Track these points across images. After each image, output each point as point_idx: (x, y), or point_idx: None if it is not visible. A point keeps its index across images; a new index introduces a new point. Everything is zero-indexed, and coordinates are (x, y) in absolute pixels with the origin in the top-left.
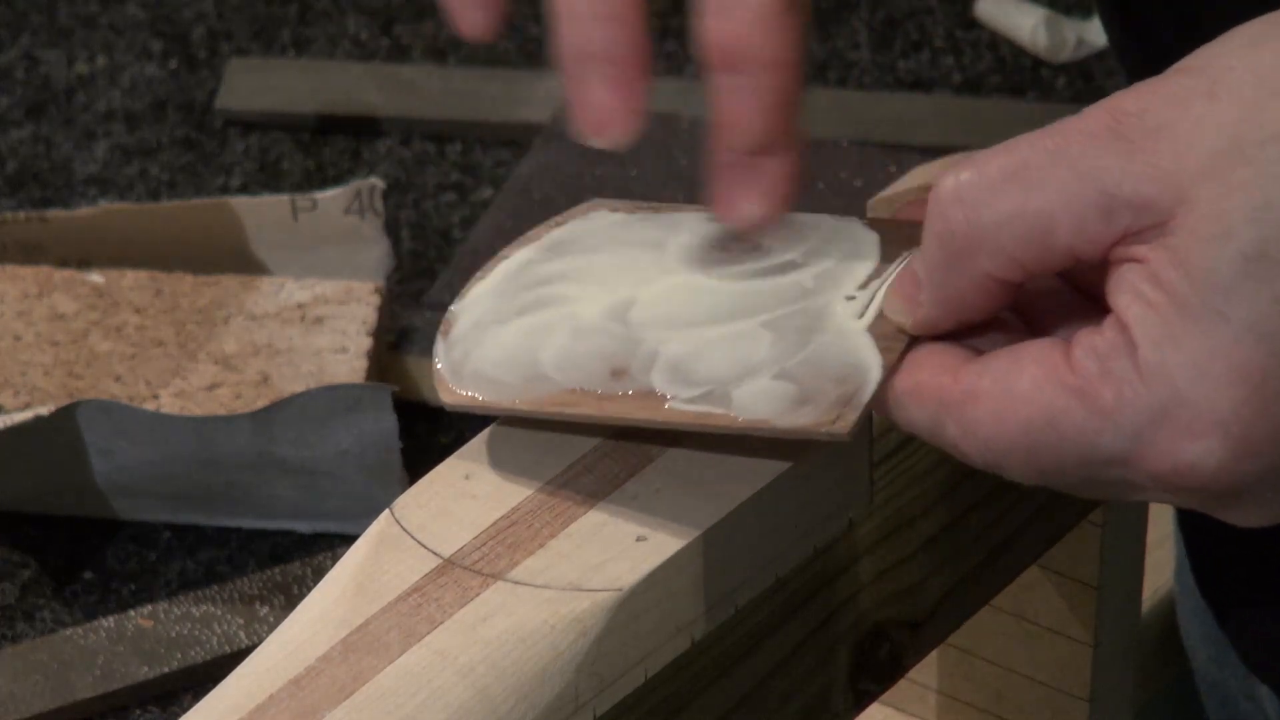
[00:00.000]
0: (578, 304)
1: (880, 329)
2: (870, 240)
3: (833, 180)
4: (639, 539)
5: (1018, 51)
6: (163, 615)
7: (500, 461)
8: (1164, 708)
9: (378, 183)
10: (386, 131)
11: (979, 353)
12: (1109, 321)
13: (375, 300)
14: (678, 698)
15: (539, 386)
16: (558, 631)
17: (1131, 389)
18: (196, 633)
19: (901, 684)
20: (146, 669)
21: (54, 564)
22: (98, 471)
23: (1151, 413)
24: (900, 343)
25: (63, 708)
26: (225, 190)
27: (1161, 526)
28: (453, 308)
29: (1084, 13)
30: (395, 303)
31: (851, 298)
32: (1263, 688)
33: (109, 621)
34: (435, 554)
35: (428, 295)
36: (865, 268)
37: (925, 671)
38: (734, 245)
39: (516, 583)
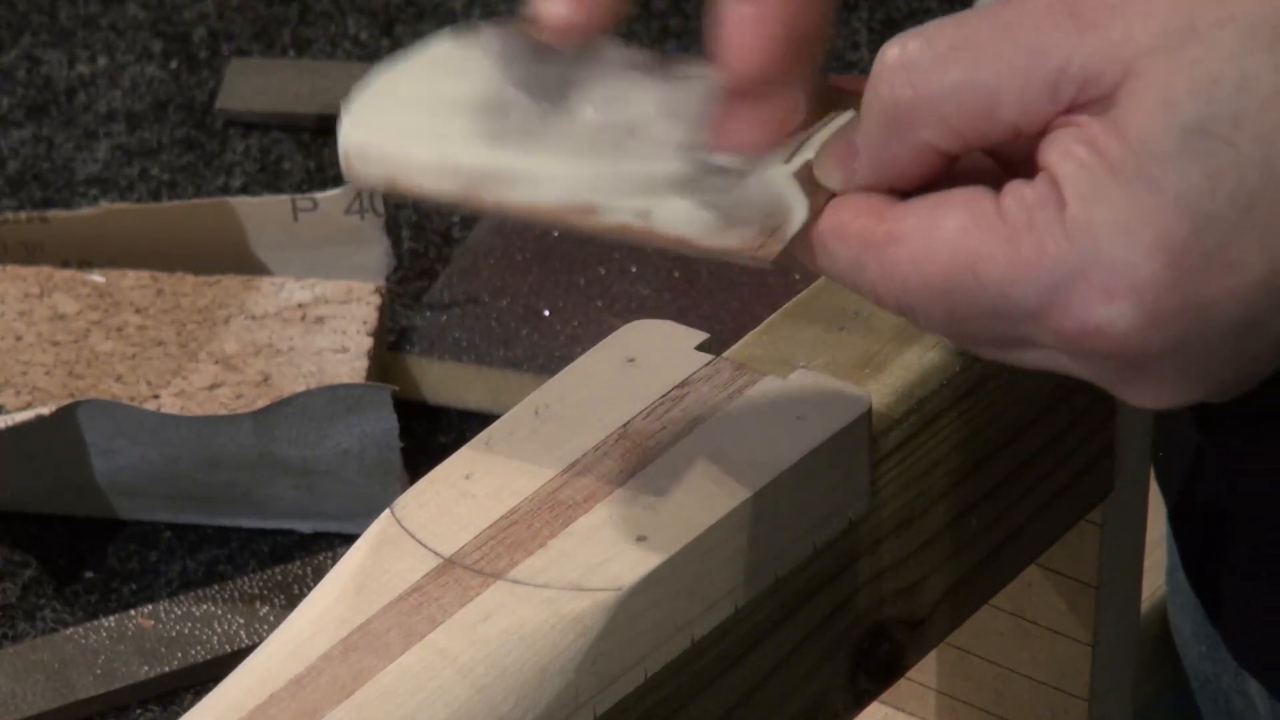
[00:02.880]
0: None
1: (805, 175)
2: None
3: None
4: (639, 539)
5: None
6: (163, 615)
7: (500, 461)
8: (1163, 707)
9: None
10: None
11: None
12: (1041, 176)
13: (375, 300)
14: (678, 697)
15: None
16: (558, 631)
17: (1054, 242)
18: (197, 632)
19: (901, 684)
20: (147, 668)
21: (55, 563)
22: (98, 471)
23: (1069, 267)
24: (825, 188)
25: (63, 707)
26: (226, 190)
27: (1160, 526)
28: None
29: None
30: (395, 303)
31: None
32: (1254, 684)
33: (110, 621)
34: (435, 554)
35: (428, 295)
36: None
37: (925, 671)
38: (652, 78)
39: (516, 582)
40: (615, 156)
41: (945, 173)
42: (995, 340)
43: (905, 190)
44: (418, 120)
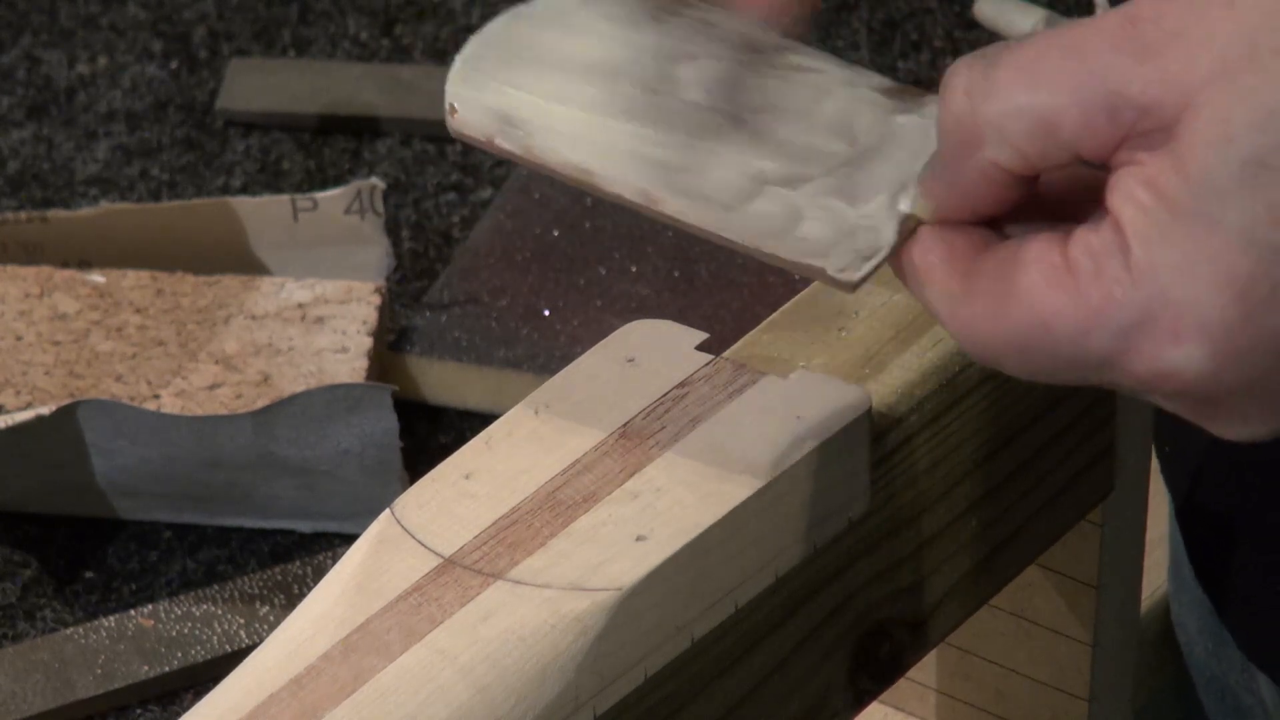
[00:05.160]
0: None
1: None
2: None
3: None
4: (639, 538)
5: None
6: (163, 614)
7: (500, 461)
8: (1163, 707)
9: (378, 183)
10: (386, 131)
11: (995, 233)
12: (1106, 221)
13: (375, 300)
14: (678, 697)
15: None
16: (558, 631)
17: (1121, 288)
18: (197, 632)
19: (901, 683)
20: (147, 668)
21: (55, 563)
22: (98, 471)
23: (1137, 312)
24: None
25: (63, 707)
26: (226, 190)
27: (1160, 525)
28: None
29: (1083, 14)
30: (395, 303)
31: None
32: (1262, 679)
33: (110, 621)
34: (435, 553)
35: (428, 295)
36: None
37: (925, 671)
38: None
39: (517, 582)
40: (710, 145)
41: (1023, 195)
42: (1083, 383)
43: (988, 215)
44: (525, 77)
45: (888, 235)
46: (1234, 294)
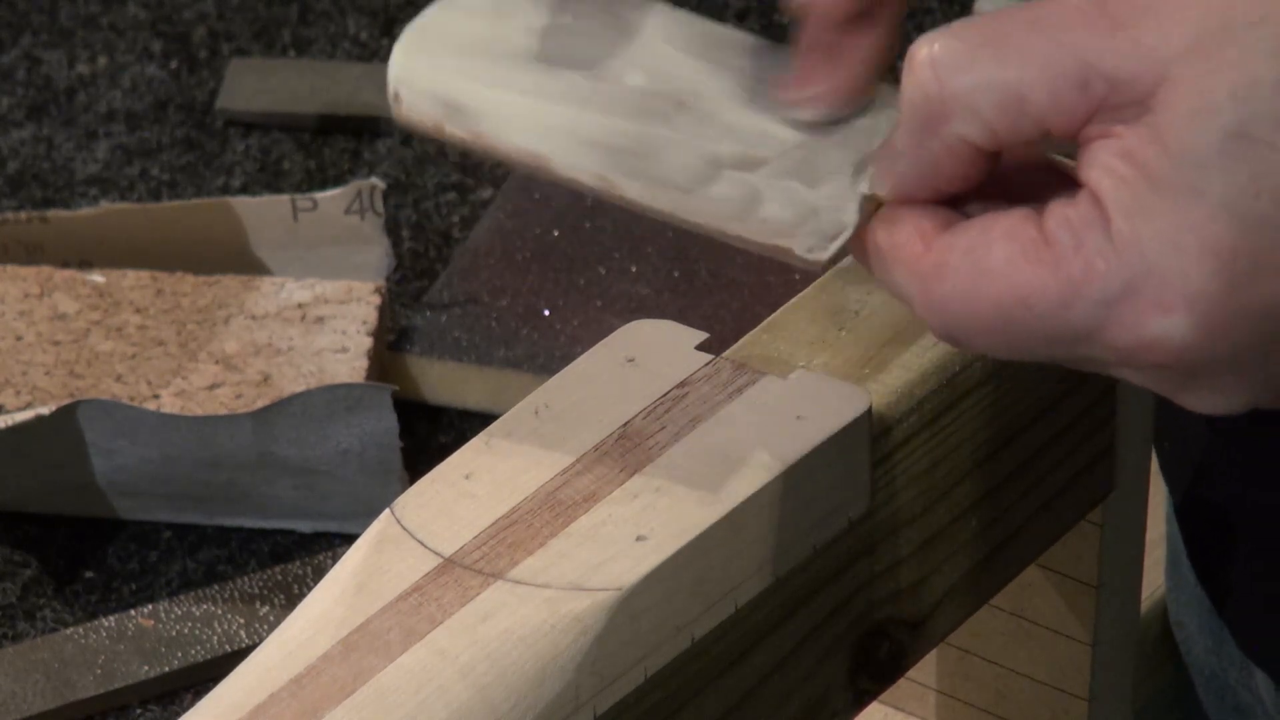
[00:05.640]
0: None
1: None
2: None
3: None
4: (639, 538)
5: None
6: (163, 614)
7: (500, 461)
8: (1163, 707)
9: (378, 183)
10: (386, 131)
11: (959, 213)
12: (1082, 195)
13: (375, 300)
14: (678, 697)
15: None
16: (558, 631)
17: (1103, 260)
18: (197, 632)
19: (901, 683)
20: (147, 668)
21: (55, 563)
22: (99, 471)
23: (1121, 283)
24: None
25: (63, 707)
26: (226, 190)
27: (1160, 525)
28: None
29: None
30: (395, 303)
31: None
32: (1260, 675)
33: (110, 621)
34: (435, 553)
35: (428, 295)
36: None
37: (925, 671)
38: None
39: (517, 582)
40: (661, 130)
41: (986, 172)
42: (1053, 360)
43: (950, 194)
44: (467, 65)
45: (850, 215)
46: (1218, 264)
